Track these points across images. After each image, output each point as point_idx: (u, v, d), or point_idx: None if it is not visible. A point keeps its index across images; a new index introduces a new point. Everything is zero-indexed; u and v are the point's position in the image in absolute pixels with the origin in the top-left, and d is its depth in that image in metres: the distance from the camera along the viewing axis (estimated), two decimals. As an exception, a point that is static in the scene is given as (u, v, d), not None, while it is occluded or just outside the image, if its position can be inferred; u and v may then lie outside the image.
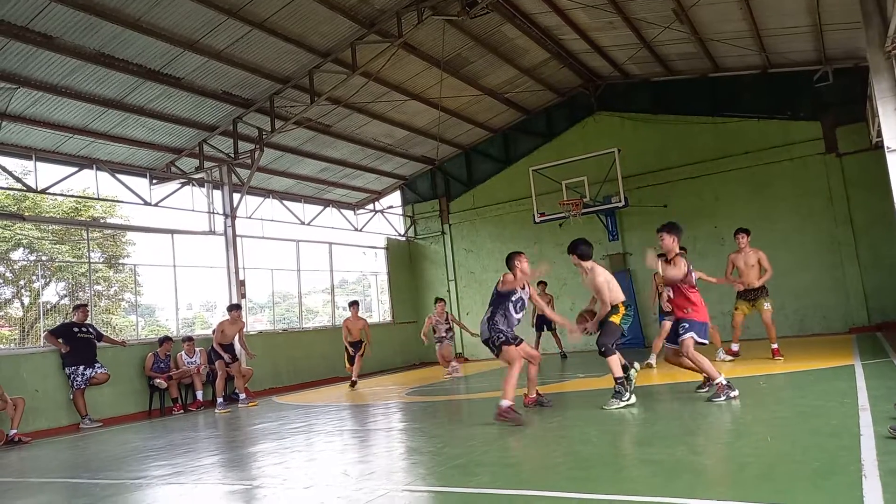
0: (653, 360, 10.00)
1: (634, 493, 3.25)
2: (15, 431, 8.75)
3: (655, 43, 12.97)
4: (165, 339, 11.45)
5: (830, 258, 13.33)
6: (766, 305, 9.56)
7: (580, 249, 6.91)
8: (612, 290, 6.69)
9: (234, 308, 11.26)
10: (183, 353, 11.54)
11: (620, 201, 13.88)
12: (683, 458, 3.87)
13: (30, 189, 11.78)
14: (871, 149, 12.43)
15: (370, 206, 18.52)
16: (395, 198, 19.15)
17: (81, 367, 9.88)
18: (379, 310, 18.77)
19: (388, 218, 18.98)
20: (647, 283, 14.89)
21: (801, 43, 12.11)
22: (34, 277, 19.63)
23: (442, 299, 13.47)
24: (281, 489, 4.34)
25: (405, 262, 18.65)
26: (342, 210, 17.73)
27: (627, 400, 6.21)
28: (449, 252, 18.16)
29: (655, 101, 15.19)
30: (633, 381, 6.50)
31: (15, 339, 19.00)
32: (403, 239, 18.91)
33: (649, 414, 5.96)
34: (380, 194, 18.62)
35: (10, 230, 18.34)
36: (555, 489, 3.53)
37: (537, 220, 14.73)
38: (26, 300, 19.95)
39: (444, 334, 12.85)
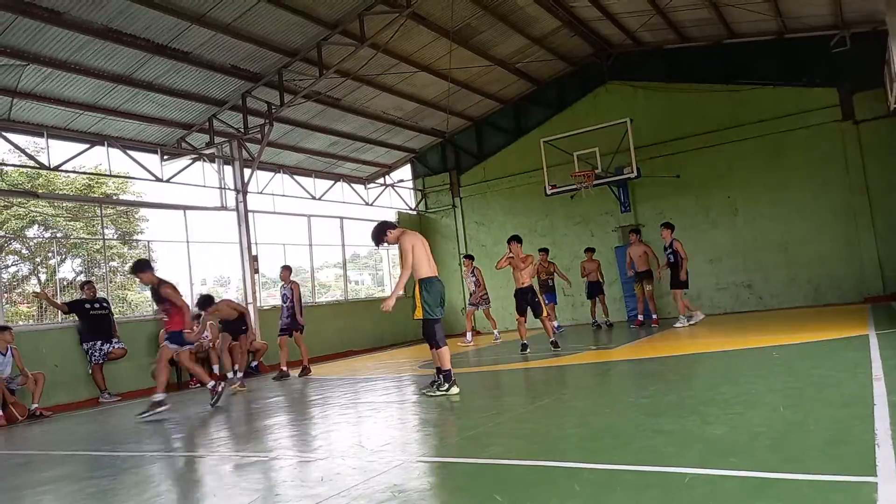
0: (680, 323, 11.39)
1: (646, 463, 3.28)
2: (36, 406, 8.94)
3: (669, 9, 12.71)
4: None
5: (845, 227, 13.19)
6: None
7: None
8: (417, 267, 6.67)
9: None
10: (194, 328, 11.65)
11: (633, 172, 13.75)
12: (695, 429, 3.89)
13: (42, 166, 11.86)
14: (889, 115, 12.20)
15: (381, 181, 18.48)
16: (405, 171, 19.09)
17: (98, 343, 10.03)
18: (391, 284, 18.83)
19: (399, 192, 18.95)
20: (660, 255, 14.89)
21: (818, 7, 11.83)
22: (50, 254, 19.86)
23: (470, 256, 13.81)
24: (297, 460, 4.42)
25: (416, 235, 18.64)
26: (353, 184, 17.71)
27: (446, 390, 6.40)
28: (460, 225, 18.14)
29: (668, 69, 14.94)
30: (439, 394, 6.48)
31: (34, 316, 19.28)
32: (414, 213, 18.89)
33: (662, 385, 5.98)
34: (390, 168, 18.57)
35: (24, 207, 18.51)
36: (566, 459, 3.56)
37: (549, 192, 14.64)
38: (43, 276, 20.21)
39: (478, 299, 13.14)
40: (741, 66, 14.07)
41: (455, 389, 6.43)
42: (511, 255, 10.12)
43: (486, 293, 13.42)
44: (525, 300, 9.99)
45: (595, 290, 13.54)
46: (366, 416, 6.17)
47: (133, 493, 4.01)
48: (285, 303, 10.84)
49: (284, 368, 10.66)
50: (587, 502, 2.84)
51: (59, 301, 10.52)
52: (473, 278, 13.30)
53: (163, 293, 7.54)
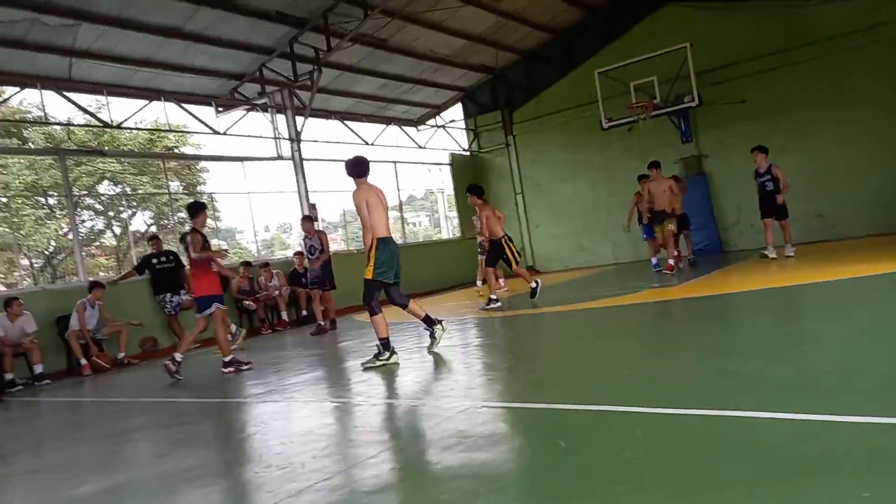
0: (770, 251, 10.64)
1: (708, 406, 3.25)
2: (123, 354, 9.56)
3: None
4: (245, 264, 12.01)
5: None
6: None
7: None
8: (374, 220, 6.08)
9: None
10: (262, 277, 12.09)
11: (693, 100, 13.14)
12: (759, 370, 3.84)
13: (105, 125, 12.25)
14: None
15: (432, 122, 18.29)
16: (456, 111, 18.82)
17: (168, 295, 10.47)
18: (447, 226, 18.92)
19: (451, 133, 18.76)
20: (723, 186, 14.36)
21: None
22: (121, 208, 20.74)
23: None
24: (366, 406, 4.61)
25: (470, 176, 18.50)
26: (404, 127, 17.62)
27: (386, 360, 5.98)
28: (514, 164, 17.89)
29: (730, -14, 13.98)
30: (439, 339, 6.41)
31: (112, 267, 20.37)
32: (467, 153, 18.71)
33: (725, 324, 5.89)
34: (440, 108, 18.33)
35: (93, 165, 19.26)
36: (626, 403, 3.57)
37: (605, 126, 14.20)
38: (117, 230, 21.21)
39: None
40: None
41: (395, 358, 6.03)
42: (485, 212, 9.67)
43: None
44: (499, 252, 9.69)
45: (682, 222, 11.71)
46: (429, 360, 6.32)
47: (214, 439, 4.29)
48: (312, 255, 10.15)
49: (323, 323, 10.18)
50: (647, 447, 2.87)
51: (128, 270, 10.86)
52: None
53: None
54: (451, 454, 3.16)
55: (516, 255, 9.77)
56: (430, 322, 6.40)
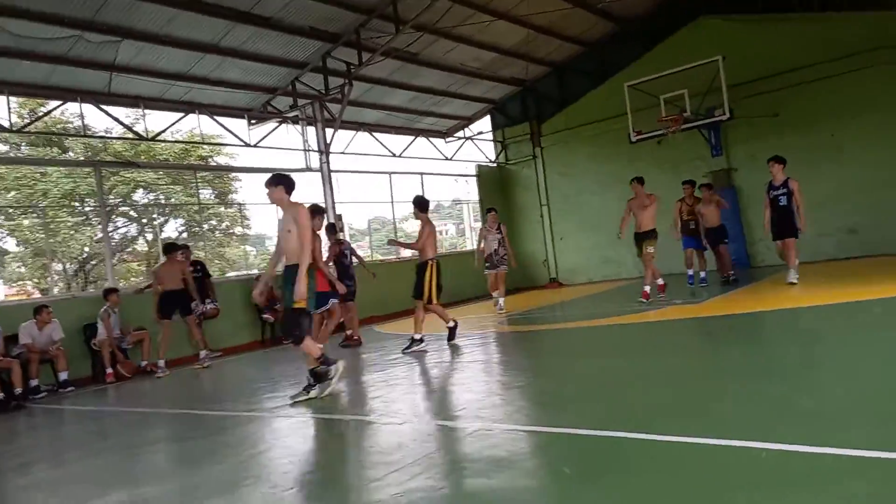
0: (794, 277, 9.50)
1: (728, 436, 3.16)
2: (146, 362, 9.74)
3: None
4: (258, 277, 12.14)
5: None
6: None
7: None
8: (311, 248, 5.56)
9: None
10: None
11: (725, 113, 12.91)
12: (784, 398, 3.72)
13: (141, 137, 12.57)
14: None
15: (460, 134, 18.32)
16: (485, 123, 18.82)
17: (193, 304, 10.61)
18: (472, 236, 18.91)
19: (479, 144, 18.76)
20: (753, 200, 14.03)
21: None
22: (154, 216, 21.22)
23: (493, 209, 12.08)
24: (378, 424, 4.61)
25: (497, 188, 18.49)
26: (432, 139, 17.68)
27: (316, 395, 5.54)
28: (541, 175, 17.80)
29: (765, -1, 13.75)
30: (310, 397, 5.64)
31: (143, 273, 20.82)
32: (494, 165, 18.70)
33: (750, 346, 5.76)
34: (469, 120, 18.35)
35: (129, 174, 19.77)
36: (642, 430, 3.48)
37: (633, 139, 14.05)
38: (149, 237, 21.70)
39: (501, 256, 11.40)
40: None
41: (329, 389, 5.63)
42: (427, 228, 8.24)
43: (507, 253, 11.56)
44: (420, 276, 8.20)
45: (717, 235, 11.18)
46: (446, 376, 6.31)
47: (225, 455, 4.33)
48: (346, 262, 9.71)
49: (357, 337, 9.79)
50: (660, 478, 2.81)
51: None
52: (499, 235, 11.48)
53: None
54: (458, 479, 3.14)
55: (435, 286, 8.11)
56: (321, 376, 5.67)
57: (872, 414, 3.31)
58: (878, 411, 3.33)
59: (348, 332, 9.96)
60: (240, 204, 20.06)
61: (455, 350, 7.79)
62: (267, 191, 5.78)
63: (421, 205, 8.40)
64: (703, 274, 11.30)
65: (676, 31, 15.02)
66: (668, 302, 9.51)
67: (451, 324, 8.26)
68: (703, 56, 13.03)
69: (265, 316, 11.81)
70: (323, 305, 7.49)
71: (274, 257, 5.95)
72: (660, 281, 10.16)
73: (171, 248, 10.11)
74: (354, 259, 10.09)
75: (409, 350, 7.94)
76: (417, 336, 8.00)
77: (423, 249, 8.08)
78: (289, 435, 4.71)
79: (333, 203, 13.69)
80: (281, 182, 5.77)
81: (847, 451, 2.76)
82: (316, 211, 7.90)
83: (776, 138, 13.36)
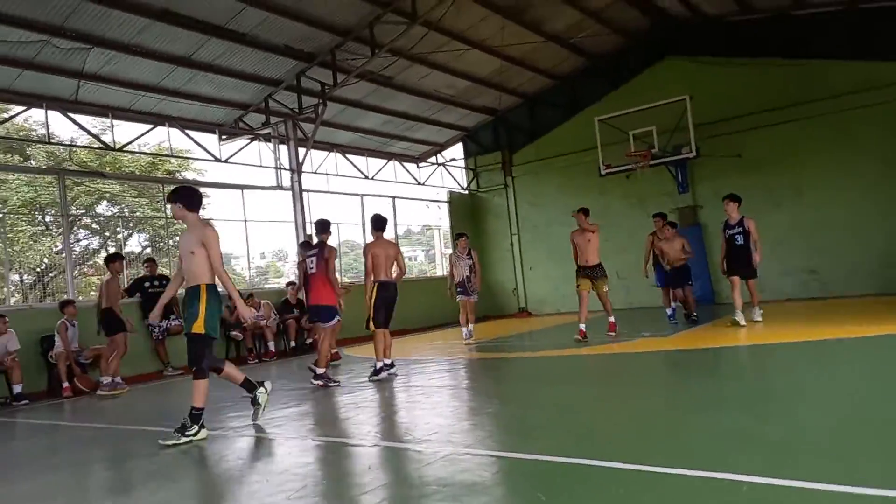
0: (740, 317, 9.30)
1: (697, 467, 3.19)
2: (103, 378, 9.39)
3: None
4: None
5: (920, 210, 12.42)
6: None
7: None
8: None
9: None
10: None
11: (691, 151, 13.28)
12: (751, 430, 3.78)
13: (108, 147, 12.31)
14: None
15: (433, 159, 18.44)
16: (457, 150, 19.01)
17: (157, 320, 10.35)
18: (443, 262, 18.92)
19: (451, 171, 18.88)
20: (718, 238, 14.36)
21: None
22: (118, 229, 20.69)
23: (464, 234, 11.68)
24: (347, 446, 4.51)
25: (468, 215, 18.57)
26: (405, 163, 17.74)
27: (193, 435, 4.97)
28: (512, 205, 17.97)
29: (730, 43, 14.27)
30: (264, 405, 5.51)
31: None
32: (466, 192, 18.81)
33: (717, 379, 5.83)
34: (442, 146, 18.50)
35: (94, 185, 19.30)
36: (612, 459, 3.49)
37: (603, 172, 14.31)
38: (112, 249, 21.12)
39: (472, 282, 10.97)
40: (807, 39, 13.29)
41: (203, 433, 5.05)
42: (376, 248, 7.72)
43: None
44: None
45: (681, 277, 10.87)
46: (415, 401, 6.23)
47: (187, 474, 4.18)
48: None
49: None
50: (632, 508, 2.80)
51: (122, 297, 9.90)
52: (470, 261, 11.09)
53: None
54: (431, 503, 3.07)
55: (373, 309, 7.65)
56: (197, 418, 5.08)
57: (825, 446, 3.37)
58: (827, 445, 3.40)
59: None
60: (208, 220, 19.72)
61: (434, 373, 7.71)
62: (168, 206, 5.34)
63: (375, 222, 7.86)
64: (669, 311, 10.96)
65: (645, 69, 15.48)
66: (615, 340, 9.31)
67: (381, 364, 7.59)
68: (671, 94, 13.43)
69: (234, 333, 11.57)
70: (330, 320, 7.72)
71: (176, 279, 5.46)
72: (611, 318, 9.85)
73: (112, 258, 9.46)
74: None
75: (376, 378, 7.54)
76: (380, 364, 7.60)
77: (376, 272, 7.60)
78: (255, 455, 4.57)
79: (304, 222, 13.56)
80: (180, 199, 5.15)
81: (796, 482, 2.84)
82: (325, 226, 8.11)
83: (740, 177, 13.75)
